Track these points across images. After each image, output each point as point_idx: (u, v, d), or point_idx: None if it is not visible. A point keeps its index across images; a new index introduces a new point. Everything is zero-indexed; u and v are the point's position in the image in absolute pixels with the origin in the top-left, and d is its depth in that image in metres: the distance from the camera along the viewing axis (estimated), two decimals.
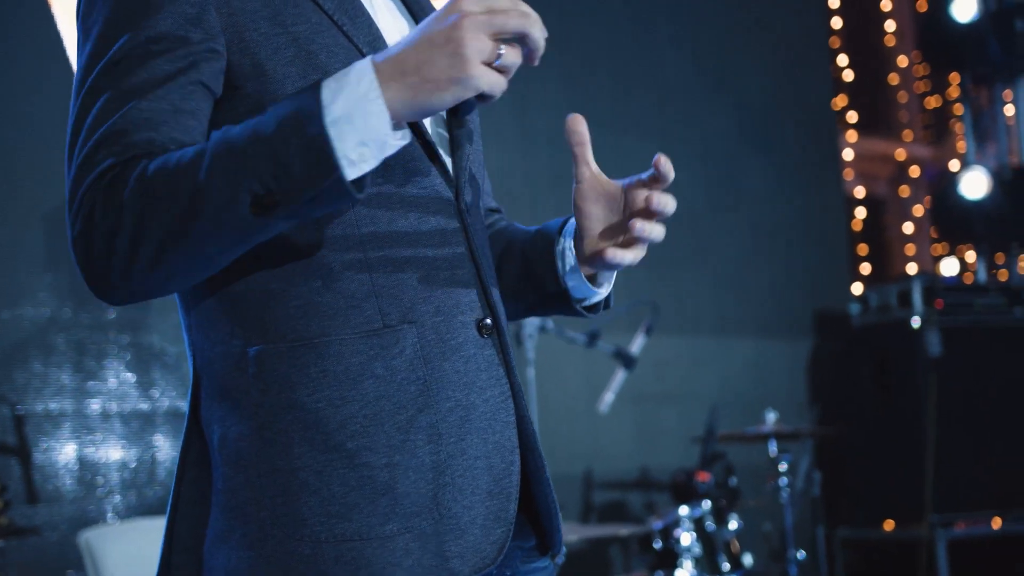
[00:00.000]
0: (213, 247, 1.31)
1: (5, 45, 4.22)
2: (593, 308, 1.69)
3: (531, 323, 4.09)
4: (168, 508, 1.46)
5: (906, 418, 5.85)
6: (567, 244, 1.63)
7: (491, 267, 1.55)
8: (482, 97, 1.32)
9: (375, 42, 1.47)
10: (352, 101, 1.27)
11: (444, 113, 1.52)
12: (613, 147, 5.94)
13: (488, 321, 1.47)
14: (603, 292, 1.66)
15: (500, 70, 1.31)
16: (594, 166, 1.56)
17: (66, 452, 4.18)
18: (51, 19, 4.26)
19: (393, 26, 1.55)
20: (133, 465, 4.29)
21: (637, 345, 4.53)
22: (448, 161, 1.50)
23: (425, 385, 1.41)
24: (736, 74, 6.45)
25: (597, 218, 1.56)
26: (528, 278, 1.67)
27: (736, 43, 6.47)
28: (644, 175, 1.52)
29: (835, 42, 7.71)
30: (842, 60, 7.79)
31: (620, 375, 4.50)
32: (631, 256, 1.52)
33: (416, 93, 1.28)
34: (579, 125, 1.53)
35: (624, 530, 4.53)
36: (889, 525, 5.90)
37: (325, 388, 1.38)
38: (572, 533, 4.43)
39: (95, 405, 4.26)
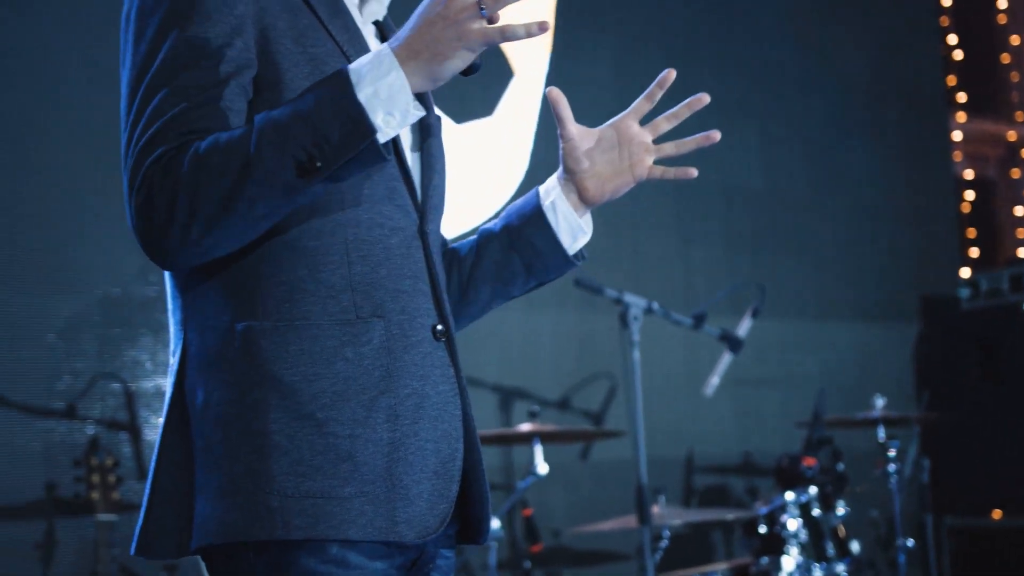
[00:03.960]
0: (262, 208, 1.54)
1: None
2: (579, 256, 1.91)
3: (637, 305, 4.03)
4: (152, 465, 1.66)
5: (1015, 405, 5.72)
6: (556, 195, 1.88)
7: (444, 284, 1.76)
8: (469, 70, 1.58)
9: None
10: (378, 80, 1.53)
11: (420, 153, 1.77)
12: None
13: (440, 327, 1.70)
14: (587, 232, 1.89)
15: (489, 20, 1.54)
16: (576, 125, 1.85)
17: None
18: None
19: None
20: None
21: (744, 328, 4.47)
22: (419, 192, 1.74)
23: (388, 372, 1.63)
24: (840, 54, 6.34)
25: (599, 161, 1.86)
26: (513, 247, 1.90)
27: (840, 21, 6.35)
28: (630, 108, 1.86)
29: (945, 21, 7.53)
30: (952, 39, 7.61)
31: (726, 358, 4.44)
32: (673, 173, 1.83)
33: (431, 67, 1.55)
34: (557, 94, 1.82)
35: (729, 515, 4.49)
36: (997, 514, 5.78)
37: (301, 365, 1.60)
38: (675, 517, 4.39)
39: None
